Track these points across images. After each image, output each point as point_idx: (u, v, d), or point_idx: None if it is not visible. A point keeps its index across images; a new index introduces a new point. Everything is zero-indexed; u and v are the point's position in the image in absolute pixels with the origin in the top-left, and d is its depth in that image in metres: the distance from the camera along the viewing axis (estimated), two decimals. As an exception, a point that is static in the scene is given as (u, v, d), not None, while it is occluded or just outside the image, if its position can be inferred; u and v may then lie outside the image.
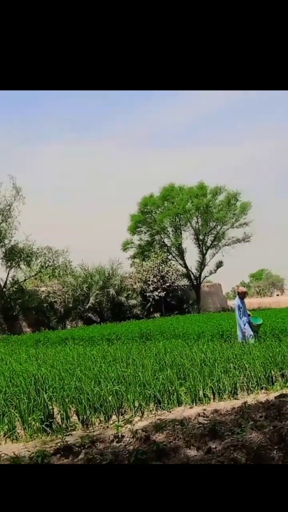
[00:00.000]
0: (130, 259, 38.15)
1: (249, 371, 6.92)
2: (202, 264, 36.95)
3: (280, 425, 4.12)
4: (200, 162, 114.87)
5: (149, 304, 31.65)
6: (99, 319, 28.33)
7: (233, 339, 11.57)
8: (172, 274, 33.27)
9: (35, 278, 31.92)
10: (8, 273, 28.42)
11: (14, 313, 28.19)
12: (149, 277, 32.19)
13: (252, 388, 6.70)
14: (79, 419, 5.65)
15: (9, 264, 27.80)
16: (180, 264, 36.84)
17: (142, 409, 5.86)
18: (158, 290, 31.94)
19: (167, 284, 32.44)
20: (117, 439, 4.36)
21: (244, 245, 37.59)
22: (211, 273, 37.81)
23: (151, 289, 31.86)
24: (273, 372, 7.20)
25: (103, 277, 30.28)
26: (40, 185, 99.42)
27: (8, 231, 27.31)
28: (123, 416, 5.74)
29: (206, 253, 36.92)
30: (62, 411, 5.60)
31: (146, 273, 32.56)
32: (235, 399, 6.27)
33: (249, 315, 10.96)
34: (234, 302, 11.92)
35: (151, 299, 31.73)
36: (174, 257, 37.11)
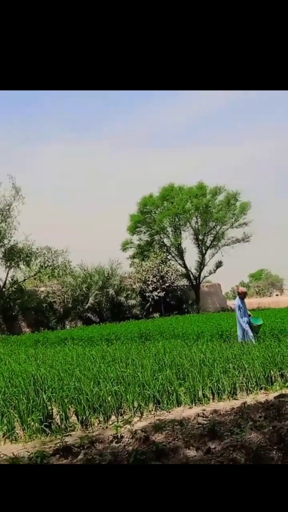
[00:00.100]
0: (129, 259, 38.25)
1: (248, 371, 6.92)
2: (201, 264, 36.98)
3: (279, 425, 4.11)
4: (200, 162, 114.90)
5: (148, 304, 31.65)
6: (98, 319, 28.30)
7: (233, 339, 11.57)
8: (172, 274, 33.28)
9: (35, 278, 31.97)
10: (8, 273, 28.49)
11: (13, 313, 28.20)
12: (149, 277, 32.20)
13: (251, 388, 6.70)
14: (78, 419, 5.64)
15: (8, 264, 27.80)
16: (180, 264, 36.90)
17: (141, 410, 5.86)
18: (158, 290, 31.94)
19: (167, 284, 32.45)
20: (116, 440, 4.36)
21: (244, 245, 37.76)
22: (210, 273, 37.90)
23: (151, 289, 31.87)
24: (272, 372, 7.20)
25: (103, 277, 30.27)
26: (40, 185, 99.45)
27: (7, 231, 27.32)
28: (122, 417, 5.74)
29: (205, 253, 36.96)
30: (61, 412, 5.59)
31: (145, 273, 32.57)
32: (235, 399, 6.27)
33: (249, 315, 10.94)
34: (234, 302, 11.91)
35: (150, 299, 31.73)
36: (173, 257, 37.16)
